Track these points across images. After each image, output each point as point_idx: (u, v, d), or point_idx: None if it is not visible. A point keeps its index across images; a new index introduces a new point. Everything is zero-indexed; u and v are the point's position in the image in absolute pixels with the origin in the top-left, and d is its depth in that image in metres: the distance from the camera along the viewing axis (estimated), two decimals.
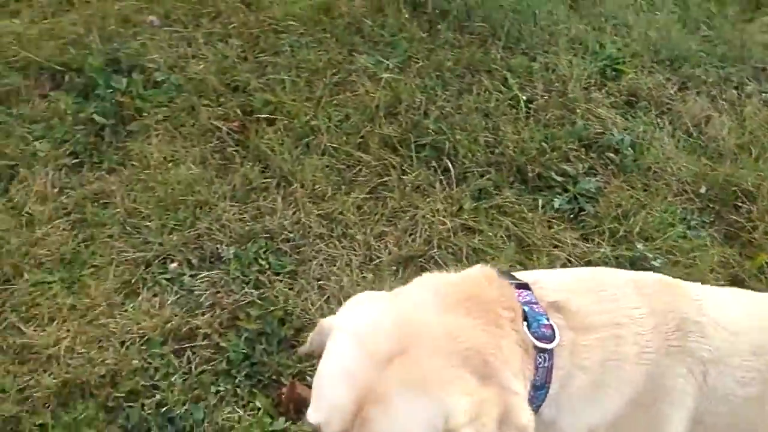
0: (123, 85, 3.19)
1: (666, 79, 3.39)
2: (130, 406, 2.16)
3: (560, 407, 1.28)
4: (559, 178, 2.90)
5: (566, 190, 2.87)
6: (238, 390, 2.25)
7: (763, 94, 3.36)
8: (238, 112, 3.12)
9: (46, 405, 2.16)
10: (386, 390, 1.13)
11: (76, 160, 2.91)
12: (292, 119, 3.10)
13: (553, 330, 1.26)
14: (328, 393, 1.18)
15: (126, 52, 3.34)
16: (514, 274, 1.41)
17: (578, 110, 3.19)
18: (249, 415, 2.19)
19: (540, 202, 2.83)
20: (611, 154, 3.00)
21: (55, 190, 2.78)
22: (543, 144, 2.97)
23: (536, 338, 1.24)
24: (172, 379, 2.23)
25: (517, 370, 1.21)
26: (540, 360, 1.24)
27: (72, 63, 3.29)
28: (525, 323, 1.25)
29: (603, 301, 1.33)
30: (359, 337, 1.21)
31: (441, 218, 2.73)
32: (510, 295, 1.29)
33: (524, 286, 1.33)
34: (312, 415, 1.17)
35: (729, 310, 1.41)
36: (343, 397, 1.15)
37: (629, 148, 3.00)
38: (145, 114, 3.09)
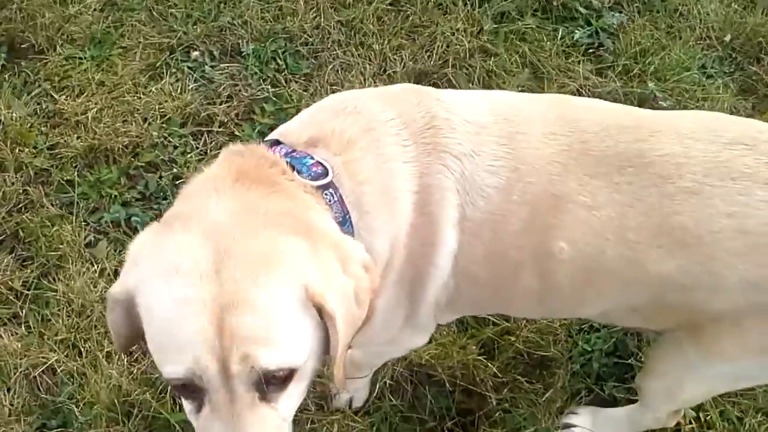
0: None
1: None
2: (149, 175, 2.37)
3: (369, 230, 1.30)
4: (583, 10, 2.87)
5: (589, 24, 2.86)
6: None
7: None
8: None
9: (74, 165, 2.38)
10: (236, 294, 1.03)
11: None
12: None
13: (324, 165, 1.26)
14: (181, 334, 1.04)
15: None
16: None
17: None
18: None
19: (561, 32, 2.83)
20: None
21: None
22: None
23: (312, 180, 1.24)
24: (189, 157, 2.42)
25: (320, 215, 1.21)
26: (328, 196, 1.24)
27: None
28: (295, 173, 1.24)
29: (348, 116, 1.33)
30: (170, 270, 1.06)
31: (460, 38, 2.77)
32: (265, 154, 1.26)
33: (275, 143, 1.31)
34: (173, 367, 1.04)
35: (476, 109, 1.39)
36: (197, 325, 1.02)
37: None
38: None
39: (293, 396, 1.14)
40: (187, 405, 1.12)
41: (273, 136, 1.38)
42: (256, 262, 1.06)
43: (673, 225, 1.29)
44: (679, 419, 1.91)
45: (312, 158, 1.28)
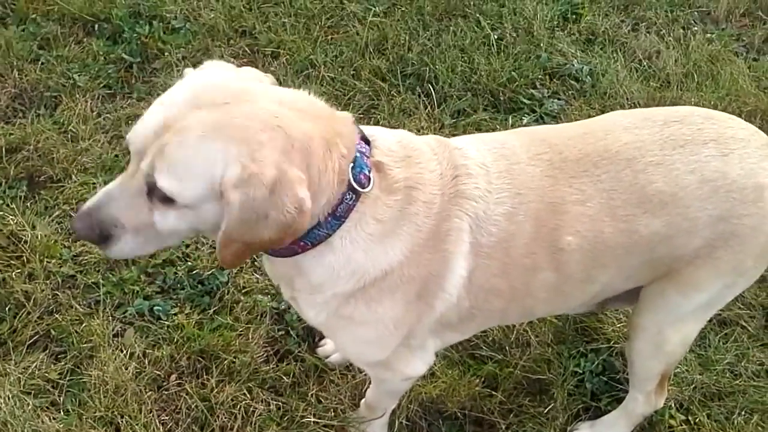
0: (146, 30, 3.66)
1: (620, 21, 3.85)
2: (166, 269, 2.63)
3: (354, 242, 1.51)
4: (527, 101, 3.36)
5: (534, 111, 3.33)
6: (256, 263, 2.70)
7: (707, 34, 3.81)
8: (247, 50, 3.59)
9: (97, 269, 2.63)
10: (188, 125, 1.33)
11: (110, 91, 3.38)
12: (293, 54, 3.56)
13: (370, 181, 1.48)
14: (145, 116, 1.40)
15: (146, 5, 3.80)
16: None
17: (543, 45, 3.64)
18: (269, 282, 2.65)
19: (510, 120, 3.29)
20: (572, 81, 3.46)
21: (94, 113, 3.25)
22: (513, 73, 3.43)
23: (353, 178, 1.46)
24: (200, 252, 2.70)
25: (326, 182, 1.42)
26: (348, 197, 1.46)
27: (100, 14, 3.75)
28: (351, 165, 1.47)
29: (410, 167, 1.56)
30: (194, 83, 1.42)
31: (425, 134, 3.18)
32: (353, 139, 1.49)
33: (366, 140, 1.54)
34: (129, 131, 1.41)
35: (480, 151, 1.66)
36: (152, 121, 1.37)
37: (588, 77, 3.46)
38: (167, 54, 3.55)
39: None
40: None
41: (369, 131, 1.60)
42: (225, 128, 1.32)
43: (651, 192, 1.61)
44: (665, 396, 2.11)
45: (369, 171, 1.50)
